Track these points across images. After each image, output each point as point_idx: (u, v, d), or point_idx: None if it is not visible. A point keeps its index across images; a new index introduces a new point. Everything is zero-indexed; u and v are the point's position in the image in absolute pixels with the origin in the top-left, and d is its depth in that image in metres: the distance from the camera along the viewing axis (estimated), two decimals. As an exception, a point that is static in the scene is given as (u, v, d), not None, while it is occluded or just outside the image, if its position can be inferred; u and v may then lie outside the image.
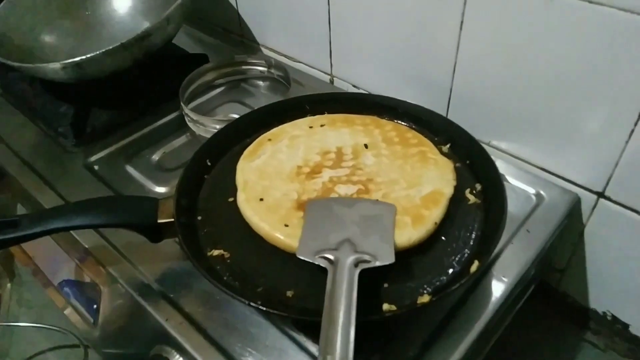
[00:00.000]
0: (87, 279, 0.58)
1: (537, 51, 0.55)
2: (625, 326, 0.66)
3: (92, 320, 0.60)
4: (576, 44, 0.52)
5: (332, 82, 0.82)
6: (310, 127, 0.63)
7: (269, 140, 0.61)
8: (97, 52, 0.66)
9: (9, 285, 0.80)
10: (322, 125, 0.63)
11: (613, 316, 0.67)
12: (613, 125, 0.53)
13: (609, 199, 0.59)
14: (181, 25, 0.78)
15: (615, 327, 0.67)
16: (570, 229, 0.63)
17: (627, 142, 0.53)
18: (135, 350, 0.57)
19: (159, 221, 0.52)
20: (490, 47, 0.59)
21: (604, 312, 0.68)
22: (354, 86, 0.79)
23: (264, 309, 0.44)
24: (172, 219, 0.51)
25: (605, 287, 0.66)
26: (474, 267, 0.46)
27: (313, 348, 0.48)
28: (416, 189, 0.54)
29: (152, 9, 0.87)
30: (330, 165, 0.57)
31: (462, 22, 0.60)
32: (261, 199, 0.53)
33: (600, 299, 0.68)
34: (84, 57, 0.66)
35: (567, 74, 0.54)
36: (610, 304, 0.67)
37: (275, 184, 0.55)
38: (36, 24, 0.82)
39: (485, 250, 0.48)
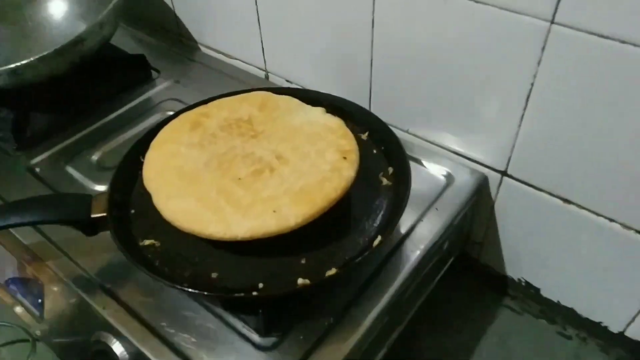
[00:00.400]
0: (30, 276, 0.62)
1: (438, 47, 0.60)
2: (537, 290, 0.73)
3: (38, 314, 0.63)
4: (469, 39, 0.57)
5: (267, 77, 0.87)
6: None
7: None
8: (32, 59, 0.69)
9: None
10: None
11: (526, 282, 0.74)
12: (506, 111, 0.59)
13: (511, 176, 0.65)
14: (117, 27, 0.81)
15: (529, 292, 0.74)
16: (482, 205, 0.69)
17: (519, 125, 0.59)
18: (80, 337, 0.61)
19: (92, 215, 0.55)
20: (399, 44, 0.64)
21: (518, 279, 0.75)
22: (288, 81, 0.84)
23: (189, 290, 0.48)
24: (105, 214, 0.55)
25: (517, 256, 0.73)
26: (376, 241, 0.51)
27: (238, 324, 0.53)
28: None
29: (89, 11, 0.89)
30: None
31: (373, 20, 0.64)
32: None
33: (514, 267, 0.74)
34: (18, 63, 0.68)
35: (464, 67, 0.60)
36: (523, 271, 0.74)
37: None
38: (-28, 31, 0.84)
39: (389, 225, 0.53)
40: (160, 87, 0.86)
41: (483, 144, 0.65)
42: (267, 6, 0.77)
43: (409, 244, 0.59)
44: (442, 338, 0.73)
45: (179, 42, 0.97)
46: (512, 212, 0.69)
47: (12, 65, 0.68)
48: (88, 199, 0.56)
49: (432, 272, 0.66)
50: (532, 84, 0.55)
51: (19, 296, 0.65)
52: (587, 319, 0.70)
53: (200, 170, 0.56)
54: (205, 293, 0.49)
